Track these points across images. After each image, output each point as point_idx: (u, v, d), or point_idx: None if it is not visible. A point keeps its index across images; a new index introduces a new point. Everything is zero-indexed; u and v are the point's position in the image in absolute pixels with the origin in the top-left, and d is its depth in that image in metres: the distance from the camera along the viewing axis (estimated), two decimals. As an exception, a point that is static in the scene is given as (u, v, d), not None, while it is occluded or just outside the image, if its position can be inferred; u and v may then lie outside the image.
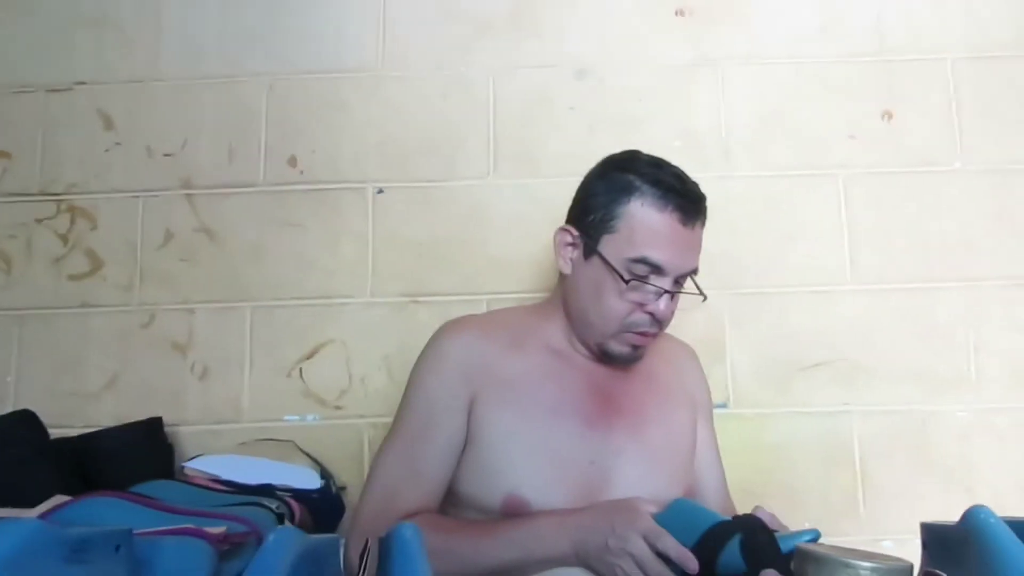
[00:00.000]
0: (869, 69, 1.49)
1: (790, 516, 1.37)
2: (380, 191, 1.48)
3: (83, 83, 1.53)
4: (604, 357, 1.11)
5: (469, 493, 1.07)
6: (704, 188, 1.10)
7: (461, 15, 1.53)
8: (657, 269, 1.04)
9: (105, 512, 0.93)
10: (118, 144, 1.52)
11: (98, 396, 1.44)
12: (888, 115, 1.48)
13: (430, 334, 1.15)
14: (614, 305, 1.06)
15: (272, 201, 1.49)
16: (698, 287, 1.12)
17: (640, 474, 1.08)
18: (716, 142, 1.49)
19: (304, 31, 1.53)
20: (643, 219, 1.04)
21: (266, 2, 1.55)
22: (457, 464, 1.08)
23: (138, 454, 1.27)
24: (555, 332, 1.15)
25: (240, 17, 1.54)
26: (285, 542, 0.53)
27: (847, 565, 0.59)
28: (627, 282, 1.04)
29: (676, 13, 1.52)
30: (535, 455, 1.04)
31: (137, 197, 1.50)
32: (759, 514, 0.88)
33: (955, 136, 1.47)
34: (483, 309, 1.43)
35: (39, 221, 1.49)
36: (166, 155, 1.51)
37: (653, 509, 0.92)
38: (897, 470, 1.40)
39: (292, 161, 1.50)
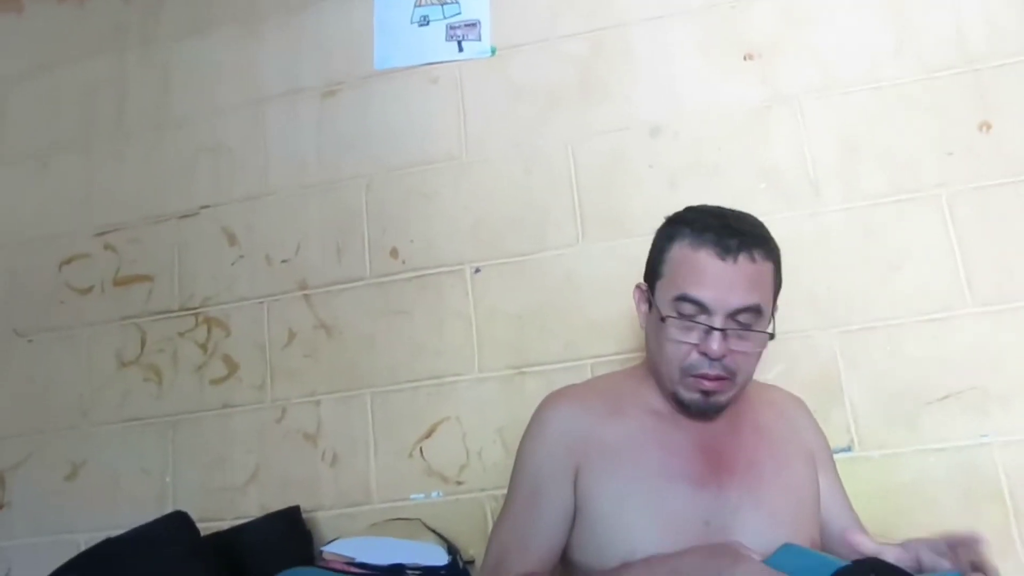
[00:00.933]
0: (956, 81, 1.43)
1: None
2: (477, 270, 1.56)
3: (207, 206, 1.71)
4: (680, 407, 1.10)
5: (584, 562, 1.07)
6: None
7: (532, 92, 1.60)
8: (701, 307, 1.03)
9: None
10: (242, 257, 1.67)
11: (244, 489, 1.57)
12: (986, 126, 1.41)
13: (538, 403, 1.18)
14: (669, 349, 1.06)
15: (379, 292, 1.59)
16: (771, 325, 1.07)
17: (760, 530, 1.04)
18: (802, 178, 1.46)
19: (392, 130, 1.65)
20: (682, 259, 1.05)
21: (358, 110, 1.68)
22: (570, 534, 1.09)
23: (280, 543, 1.37)
24: (653, 393, 1.14)
25: (335, 126, 1.68)
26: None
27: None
28: (663, 319, 1.04)
29: (745, 58, 1.53)
30: (647, 519, 1.04)
31: (262, 303, 1.64)
32: (891, 554, 0.82)
33: (1063, 138, 1.38)
34: (587, 373, 1.46)
35: (181, 334, 1.66)
36: (283, 261, 1.65)
37: (756, 556, 0.89)
38: (1054, 501, 1.29)
39: (394, 252, 1.60)
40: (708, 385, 1.06)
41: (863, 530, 1.17)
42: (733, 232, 1.05)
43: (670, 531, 1.02)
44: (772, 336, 1.07)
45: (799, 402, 1.25)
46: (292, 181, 1.68)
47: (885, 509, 1.30)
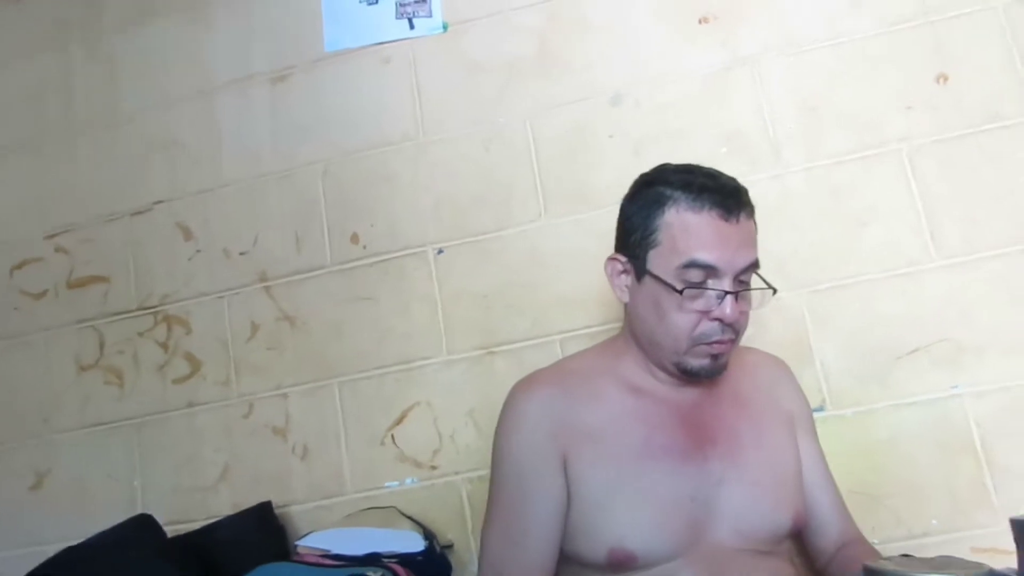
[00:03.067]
0: (913, 34, 1.42)
1: (917, 514, 1.31)
2: (440, 251, 1.53)
3: (161, 201, 1.66)
4: (686, 376, 1.07)
5: (572, 551, 1.05)
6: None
7: (487, 67, 1.57)
8: (711, 271, 1.00)
9: (219, 603, 0.99)
10: (199, 251, 1.63)
11: (215, 488, 1.53)
12: (943, 78, 1.40)
13: (509, 383, 1.15)
14: (677, 320, 1.02)
15: (342, 279, 1.55)
16: (765, 281, 1.07)
17: (744, 503, 1.04)
18: (765, 141, 1.45)
19: (347, 113, 1.61)
20: (682, 224, 1.01)
21: (310, 94, 1.64)
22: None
23: (253, 540, 1.34)
24: (631, 367, 1.12)
25: (288, 113, 1.64)
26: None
27: (914, 580, 0.54)
28: (681, 292, 1.00)
29: (700, 21, 1.51)
30: (634, 504, 1.01)
31: (222, 297, 1.60)
32: None
33: (1019, 85, 1.37)
34: (557, 350, 1.44)
35: (140, 334, 1.62)
36: (241, 253, 1.61)
37: None
38: (1025, 449, 1.29)
39: (354, 238, 1.56)
40: (718, 349, 1.04)
41: (837, 494, 1.18)
42: (730, 192, 1.03)
43: (657, 512, 1.01)
44: (775, 291, 1.07)
45: (779, 363, 1.23)
46: (247, 171, 1.64)
47: (862, 467, 1.30)
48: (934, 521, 1.30)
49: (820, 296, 1.38)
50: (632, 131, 1.50)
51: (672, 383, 1.10)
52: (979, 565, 0.58)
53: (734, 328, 1.03)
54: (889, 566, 0.57)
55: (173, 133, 1.69)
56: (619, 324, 1.40)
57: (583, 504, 1.03)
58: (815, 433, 1.21)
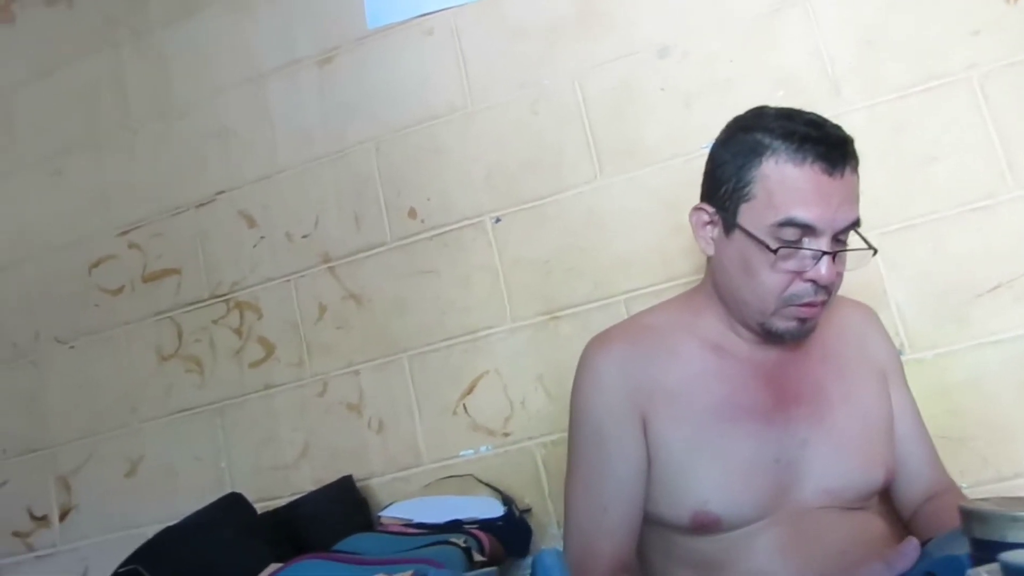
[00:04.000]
0: (977, -46, 1.35)
1: (1003, 454, 1.27)
2: (497, 220, 1.53)
3: (222, 191, 1.70)
4: (770, 337, 1.02)
5: (656, 513, 1.03)
6: None
7: (530, 30, 1.55)
8: (809, 230, 0.93)
9: (311, 573, 1.03)
10: (262, 238, 1.67)
11: (296, 466, 1.58)
12: (1012, -3, 1.32)
13: (575, 346, 1.14)
14: (767, 279, 0.96)
15: (402, 255, 1.57)
16: (866, 241, 0.99)
17: (831, 462, 1.01)
18: (823, 80, 1.40)
19: (393, 89, 1.61)
20: (781, 178, 0.93)
21: (356, 73, 1.64)
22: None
23: (337, 512, 1.39)
24: (711, 323, 1.07)
25: (336, 93, 1.65)
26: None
27: (1015, 519, 0.53)
28: (775, 251, 0.94)
29: (747, -38, 1.45)
30: (717, 466, 0.99)
31: (288, 281, 1.64)
32: None
33: (1098, -2, 1.29)
34: (621, 310, 1.43)
35: (215, 322, 1.67)
36: (303, 236, 1.64)
37: None
38: (1120, 381, 1.24)
39: (412, 213, 1.58)
40: (807, 312, 0.98)
41: (929, 443, 1.14)
42: (835, 142, 0.95)
43: (740, 475, 0.99)
44: (875, 251, 1.00)
45: (867, 313, 1.17)
46: (301, 155, 1.66)
47: (943, 410, 1.27)
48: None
49: (890, 237, 1.34)
50: (682, 83, 1.46)
51: (755, 341, 1.05)
52: None
53: (828, 290, 0.96)
54: (988, 506, 0.56)
55: (226, 122, 1.72)
56: (685, 281, 1.40)
57: (664, 466, 1.01)
58: (905, 382, 1.16)
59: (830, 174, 0.93)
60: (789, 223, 0.93)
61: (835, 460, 1.01)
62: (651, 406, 1.02)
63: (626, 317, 1.35)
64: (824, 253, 0.94)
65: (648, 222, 1.43)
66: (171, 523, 1.28)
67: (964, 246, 1.31)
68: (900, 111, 1.36)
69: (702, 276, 1.13)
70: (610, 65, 1.50)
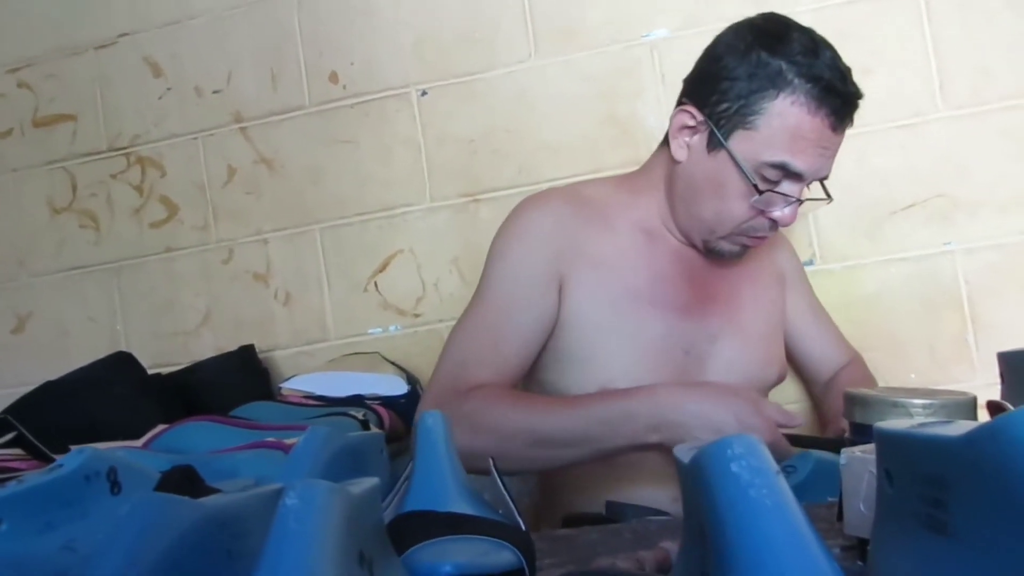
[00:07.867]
0: None
1: (895, 368, 1.32)
2: (424, 93, 1.45)
3: (126, 34, 1.56)
4: (707, 253, 1.04)
5: (556, 382, 1.03)
6: None
7: None
8: (795, 176, 0.94)
9: (199, 435, 0.99)
10: (169, 89, 1.54)
11: (196, 332, 1.53)
12: (971, -91, 1.29)
13: (494, 231, 1.10)
14: (735, 208, 0.97)
15: (321, 121, 1.48)
16: (826, 191, 1.01)
17: (735, 359, 1.04)
18: (772, -23, 1.34)
19: (323, -61, 1.48)
20: (791, 122, 0.91)
21: (282, -84, 1.50)
22: (542, 348, 1.02)
23: (235, 381, 1.35)
24: (647, 211, 1.06)
25: (259, -63, 1.51)
26: (314, 443, 0.54)
27: (895, 404, 0.53)
28: (761, 192, 0.93)
29: None
30: (630, 347, 1.00)
31: (196, 138, 1.53)
32: None
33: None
34: (544, 198, 1.39)
35: (114, 176, 1.56)
36: (215, 92, 1.52)
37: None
38: (1011, 307, 1.28)
39: (333, 77, 1.48)
40: (754, 243, 1.01)
41: (833, 328, 1.22)
42: (850, 99, 0.94)
43: (650, 359, 1.00)
44: (831, 199, 1.02)
45: None
46: (217, 1, 1.52)
47: (846, 320, 1.29)
48: (912, 375, 1.31)
49: (818, 147, 1.33)
50: (631, -36, 1.39)
51: (685, 241, 1.06)
52: (963, 394, 0.57)
53: (778, 228, 1.00)
54: (871, 392, 0.56)
55: (135, -42, 1.56)
56: (612, 173, 1.34)
57: (577, 332, 1.00)
58: (806, 281, 1.22)
59: (835, 129, 0.93)
60: (781, 167, 0.93)
61: (740, 356, 1.05)
62: (573, 270, 1.01)
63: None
64: (797, 200, 0.96)
65: (580, 109, 1.38)
66: (56, 381, 1.22)
67: (887, 162, 1.32)
68: (846, 17, 1.33)
69: (630, 169, 1.11)
70: (557, -64, 1.41)
